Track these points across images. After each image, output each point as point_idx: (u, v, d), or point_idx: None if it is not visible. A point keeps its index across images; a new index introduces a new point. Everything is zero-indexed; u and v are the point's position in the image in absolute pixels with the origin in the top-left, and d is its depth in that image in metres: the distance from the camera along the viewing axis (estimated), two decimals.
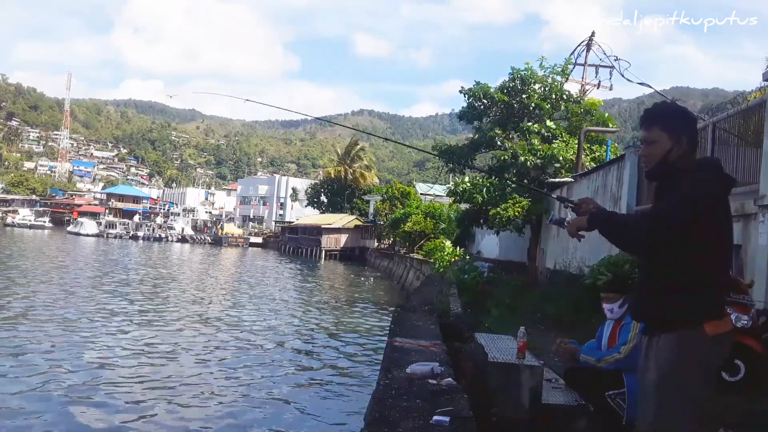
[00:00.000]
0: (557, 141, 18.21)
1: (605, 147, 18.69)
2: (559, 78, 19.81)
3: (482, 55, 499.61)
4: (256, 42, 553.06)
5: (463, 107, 21.14)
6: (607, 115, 20.08)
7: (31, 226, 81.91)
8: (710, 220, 2.34)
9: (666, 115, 2.56)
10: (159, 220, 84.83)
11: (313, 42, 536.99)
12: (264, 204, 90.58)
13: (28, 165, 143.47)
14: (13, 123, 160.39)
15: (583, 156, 17.45)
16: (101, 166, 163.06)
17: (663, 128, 2.50)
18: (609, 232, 2.43)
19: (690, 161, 2.49)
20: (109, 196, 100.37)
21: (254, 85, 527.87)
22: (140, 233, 74.10)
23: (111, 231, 73.45)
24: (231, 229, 76.08)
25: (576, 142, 17.75)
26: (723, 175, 2.52)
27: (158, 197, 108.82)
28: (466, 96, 20.48)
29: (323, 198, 71.61)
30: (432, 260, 25.39)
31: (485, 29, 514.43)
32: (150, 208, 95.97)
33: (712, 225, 2.35)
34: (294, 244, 62.69)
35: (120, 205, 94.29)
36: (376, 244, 52.25)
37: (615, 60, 21.02)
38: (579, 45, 21.45)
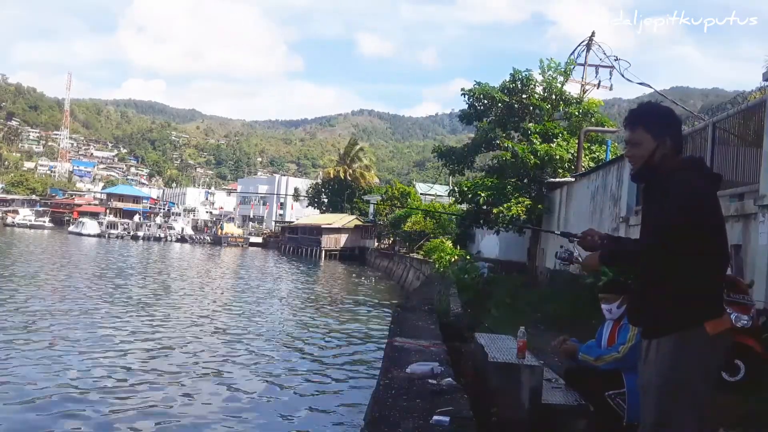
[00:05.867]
0: (557, 140, 18.22)
1: (605, 147, 18.69)
2: (560, 78, 19.81)
3: (488, 55, 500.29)
4: (259, 42, 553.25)
5: (463, 108, 21.14)
6: (611, 122, 20.05)
7: (31, 226, 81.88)
8: (701, 221, 2.34)
9: (649, 116, 2.55)
10: (159, 220, 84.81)
11: (316, 42, 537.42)
12: (264, 204, 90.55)
13: (28, 165, 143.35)
14: (13, 123, 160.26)
15: (582, 156, 17.45)
16: (101, 166, 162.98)
17: (646, 129, 2.50)
18: (619, 264, 2.64)
19: (675, 161, 2.49)
20: (109, 196, 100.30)
21: (257, 85, 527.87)
22: (140, 233, 74.10)
23: (112, 231, 73.45)
24: (231, 229, 76.05)
25: (576, 142, 17.75)
26: (708, 173, 2.53)
27: (158, 197, 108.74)
28: (467, 97, 20.49)
29: (324, 198, 71.67)
30: (432, 260, 25.39)
31: (491, 29, 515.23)
32: (150, 208, 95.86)
33: (704, 224, 2.35)
34: (294, 244, 62.67)
35: (120, 205, 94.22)
36: (376, 244, 52.24)
37: (615, 60, 20.99)
38: (579, 45, 21.40)
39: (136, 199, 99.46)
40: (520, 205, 17.22)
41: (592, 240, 2.55)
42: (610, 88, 21.58)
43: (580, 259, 2.63)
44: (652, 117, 2.55)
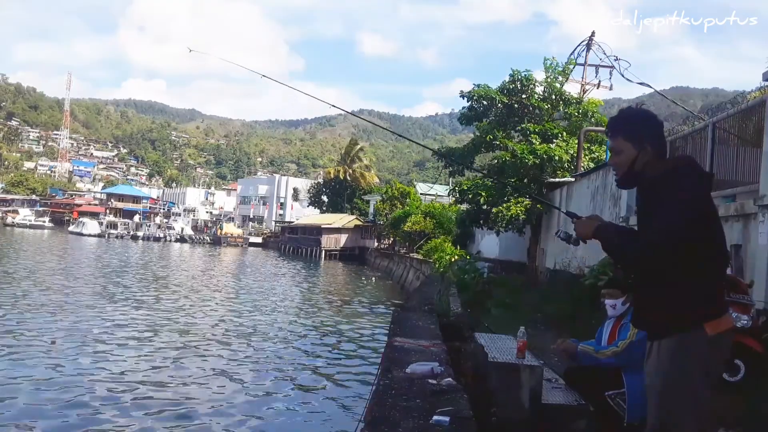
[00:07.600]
0: (557, 140, 18.21)
1: (605, 147, 18.66)
2: (560, 78, 19.79)
3: (489, 55, 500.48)
4: (260, 42, 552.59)
5: (463, 109, 21.12)
6: (609, 120, 20.06)
7: (31, 226, 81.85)
8: (700, 221, 2.32)
9: (627, 124, 2.53)
10: (159, 220, 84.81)
11: (317, 42, 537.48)
12: (264, 204, 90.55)
13: (28, 165, 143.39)
14: (13, 123, 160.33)
15: (582, 156, 17.44)
16: (101, 166, 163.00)
17: (626, 137, 2.48)
18: (607, 249, 2.48)
19: (660, 166, 2.44)
20: (109, 196, 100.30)
21: (258, 85, 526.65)
22: (140, 233, 74.14)
23: (112, 231, 73.49)
24: (230, 229, 76.07)
25: (576, 142, 17.74)
26: (701, 173, 2.48)
27: (158, 197, 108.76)
28: (466, 99, 20.48)
29: (324, 198, 71.72)
30: (432, 260, 25.39)
31: (492, 29, 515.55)
32: (150, 208, 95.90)
33: (702, 225, 2.33)
34: (294, 244, 62.65)
35: (120, 205, 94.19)
36: (376, 244, 52.24)
37: (615, 60, 20.99)
38: (579, 45, 21.40)
39: (136, 199, 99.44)
40: (519, 206, 17.22)
41: (585, 229, 2.52)
42: (610, 88, 21.60)
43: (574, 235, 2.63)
44: (631, 124, 2.52)
